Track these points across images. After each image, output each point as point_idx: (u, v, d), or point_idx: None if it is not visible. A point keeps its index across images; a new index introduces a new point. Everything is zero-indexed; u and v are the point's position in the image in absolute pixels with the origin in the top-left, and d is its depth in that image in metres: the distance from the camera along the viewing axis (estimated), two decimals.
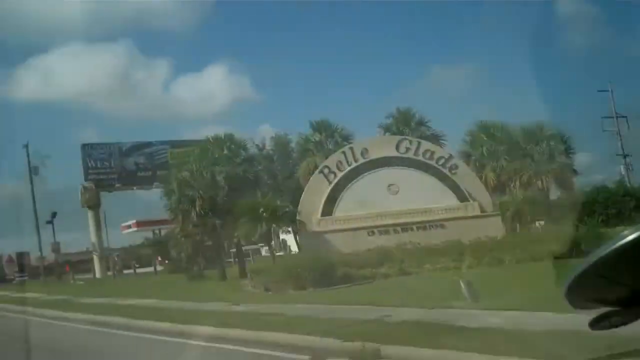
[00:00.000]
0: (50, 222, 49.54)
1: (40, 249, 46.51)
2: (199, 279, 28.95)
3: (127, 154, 52.64)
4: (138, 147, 53.35)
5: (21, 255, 64.89)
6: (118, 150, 52.22)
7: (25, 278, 55.52)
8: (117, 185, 51.52)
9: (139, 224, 66.92)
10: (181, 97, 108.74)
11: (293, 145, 32.16)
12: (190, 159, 27.35)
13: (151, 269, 51.62)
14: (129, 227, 66.22)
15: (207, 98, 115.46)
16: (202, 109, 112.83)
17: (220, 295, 19.00)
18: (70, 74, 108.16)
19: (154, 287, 27.82)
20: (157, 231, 73.00)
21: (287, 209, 25.77)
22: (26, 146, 45.87)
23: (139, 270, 55.65)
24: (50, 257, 64.62)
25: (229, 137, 28.36)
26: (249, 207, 25.21)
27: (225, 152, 27.60)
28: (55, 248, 49.08)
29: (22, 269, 62.95)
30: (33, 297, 29.28)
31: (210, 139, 28.25)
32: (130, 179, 52.54)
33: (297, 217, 25.77)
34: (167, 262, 46.39)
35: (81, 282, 44.32)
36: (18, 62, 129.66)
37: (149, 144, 54.26)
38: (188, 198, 26.00)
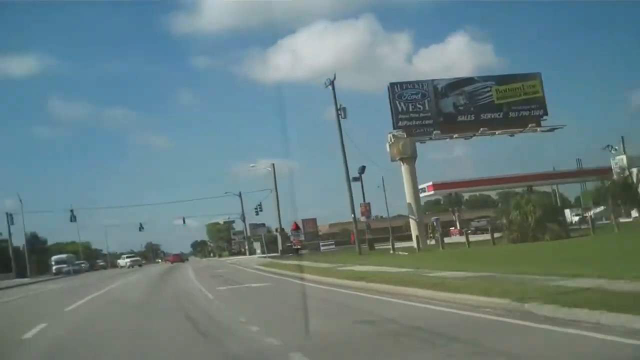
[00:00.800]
0: (357, 178, 41.07)
1: (353, 211, 37.57)
2: None
3: (444, 94, 41.72)
4: (456, 85, 42.22)
5: (307, 222, 58.64)
6: (433, 89, 41.52)
7: (333, 247, 48.53)
8: (436, 132, 40.85)
9: (435, 186, 57.03)
10: (423, 68, 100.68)
11: None
12: None
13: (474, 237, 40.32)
14: (423, 190, 56.47)
15: (449, 67, 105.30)
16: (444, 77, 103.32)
17: None
18: (316, 52, 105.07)
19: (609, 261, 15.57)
20: (453, 194, 62.46)
21: None
22: (332, 82, 37.10)
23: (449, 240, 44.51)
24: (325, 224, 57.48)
25: None
26: None
27: None
28: (366, 211, 40.15)
29: (312, 236, 56.76)
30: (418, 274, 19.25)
31: None
32: (449, 125, 41.59)
33: None
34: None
35: (404, 254, 34.53)
36: (270, 44, 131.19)
37: (469, 80, 42.92)
38: None
